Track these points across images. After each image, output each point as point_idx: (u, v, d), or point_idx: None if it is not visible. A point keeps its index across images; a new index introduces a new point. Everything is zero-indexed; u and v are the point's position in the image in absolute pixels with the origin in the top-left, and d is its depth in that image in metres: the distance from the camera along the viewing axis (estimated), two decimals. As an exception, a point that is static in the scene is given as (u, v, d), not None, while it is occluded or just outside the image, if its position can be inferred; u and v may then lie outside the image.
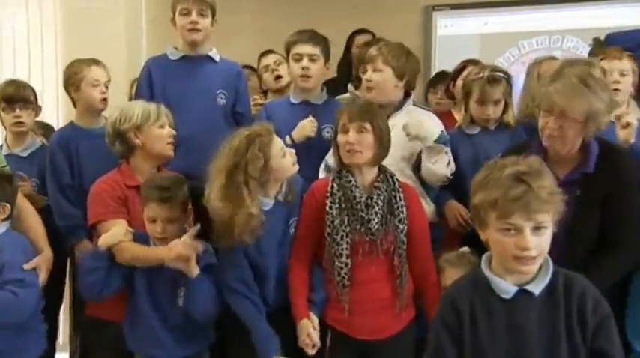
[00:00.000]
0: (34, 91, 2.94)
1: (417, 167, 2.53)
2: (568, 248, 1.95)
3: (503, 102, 2.65)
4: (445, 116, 2.82)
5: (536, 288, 1.60)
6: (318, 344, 2.16)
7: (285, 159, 2.15)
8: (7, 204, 2.23)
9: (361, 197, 2.15)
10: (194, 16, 2.70)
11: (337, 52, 3.55)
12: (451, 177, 2.51)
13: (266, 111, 2.77)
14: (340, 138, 2.18)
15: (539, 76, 2.75)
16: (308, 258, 2.25)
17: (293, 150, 2.22)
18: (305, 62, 2.64)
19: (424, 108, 2.82)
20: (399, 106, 2.58)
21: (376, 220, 2.14)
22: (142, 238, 2.28)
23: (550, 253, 1.60)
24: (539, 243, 1.55)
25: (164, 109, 2.47)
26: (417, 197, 2.30)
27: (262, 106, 2.94)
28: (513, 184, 1.54)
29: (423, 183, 2.54)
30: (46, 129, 3.26)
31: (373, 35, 3.66)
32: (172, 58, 2.79)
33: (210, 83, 2.78)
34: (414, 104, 2.68)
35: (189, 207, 2.28)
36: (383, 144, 2.17)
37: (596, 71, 2.08)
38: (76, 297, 2.85)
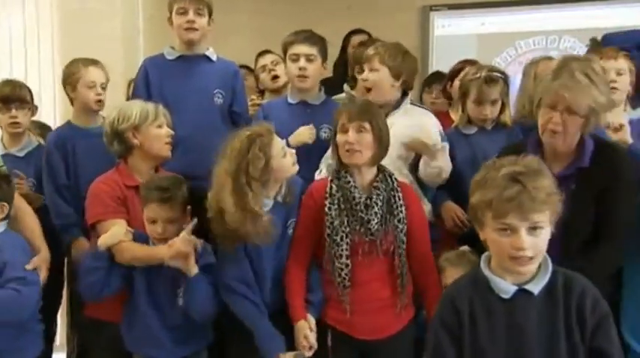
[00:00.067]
0: (29, 91, 2.94)
1: (414, 167, 2.53)
2: (563, 242, 1.95)
3: (500, 103, 2.65)
4: (442, 116, 2.82)
5: (536, 288, 1.61)
6: (315, 346, 2.16)
7: (285, 160, 2.15)
8: (6, 204, 2.24)
9: (360, 197, 2.15)
10: (191, 15, 2.70)
11: (334, 52, 3.56)
12: (448, 177, 2.51)
13: (263, 111, 2.76)
14: (339, 137, 2.18)
15: (536, 76, 2.74)
16: (306, 259, 2.24)
17: (293, 151, 2.22)
18: (302, 62, 2.63)
19: (421, 107, 2.82)
20: (396, 105, 2.57)
21: (376, 220, 2.13)
22: (141, 238, 2.28)
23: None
24: (535, 243, 1.56)
25: (162, 109, 2.47)
26: (415, 196, 2.30)
27: (260, 106, 2.94)
28: (508, 184, 1.54)
29: (419, 182, 2.54)
30: (42, 128, 3.25)
31: (369, 35, 3.66)
32: (169, 57, 2.79)
33: (208, 83, 2.77)
34: (412, 103, 2.68)
35: (189, 207, 2.27)
36: (382, 143, 2.17)
37: (597, 66, 2.10)
38: (73, 298, 2.85)
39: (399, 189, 2.19)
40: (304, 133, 2.58)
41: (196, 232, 2.30)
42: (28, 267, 2.20)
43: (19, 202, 2.37)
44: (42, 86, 3.94)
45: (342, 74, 3.42)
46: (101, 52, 3.07)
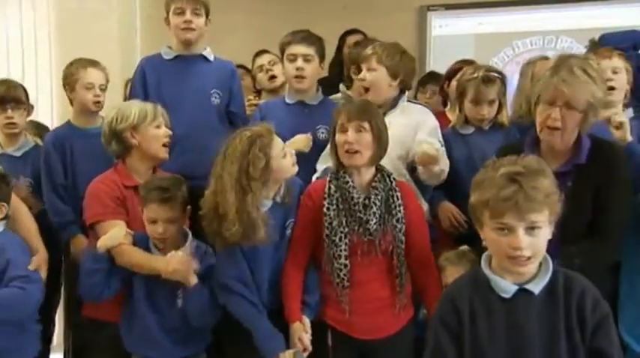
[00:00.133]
0: (25, 91, 2.92)
1: (412, 166, 2.53)
2: (560, 239, 1.95)
3: (497, 103, 2.65)
4: (437, 116, 2.82)
5: (536, 287, 1.61)
6: (309, 348, 2.15)
7: (285, 160, 2.14)
8: (5, 204, 2.24)
9: (359, 197, 2.15)
10: (188, 15, 2.69)
11: (332, 52, 3.56)
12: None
13: (261, 111, 2.76)
14: (339, 137, 2.17)
15: (534, 76, 2.75)
16: (304, 261, 2.23)
17: (293, 151, 2.22)
18: (299, 62, 2.63)
19: (418, 103, 2.82)
20: (393, 104, 2.57)
21: (374, 220, 2.13)
22: (142, 239, 2.28)
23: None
24: (533, 243, 1.56)
25: (160, 109, 2.47)
26: (413, 195, 2.30)
27: (257, 106, 2.93)
28: (506, 184, 1.55)
29: (417, 182, 2.54)
30: (39, 128, 3.25)
31: (364, 35, 3.66)
32: (166, 57, 2.79)
33: (205, 83, 2.77)
34: (409, 100, 2.67)
35: (189, 207, 2.27)
36: (381, 143, 2.17)
37: (594, 64, 2.12)
38: (70, 298, 2.84)
39: (397, 188, 2.19)
40: (301, 141, 2.55)
41: (194, 232, 2.30)
42: (31, 267, 2.22)
43: (15, 202, 2.36)
44: (39, 86, 3.94)
45: (338, 74, 3.42)
46: (98, 52, 3.07)
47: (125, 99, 3.02)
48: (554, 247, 1.69)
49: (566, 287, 1.61)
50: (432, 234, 2.39)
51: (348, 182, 2.16)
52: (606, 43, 2.97)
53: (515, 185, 1.53)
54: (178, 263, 2.17)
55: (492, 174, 1.59)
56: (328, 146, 2.34)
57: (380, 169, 2.22)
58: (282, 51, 2.71)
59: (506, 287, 1.62)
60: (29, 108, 2.94)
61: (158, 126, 2.42)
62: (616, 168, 2.06)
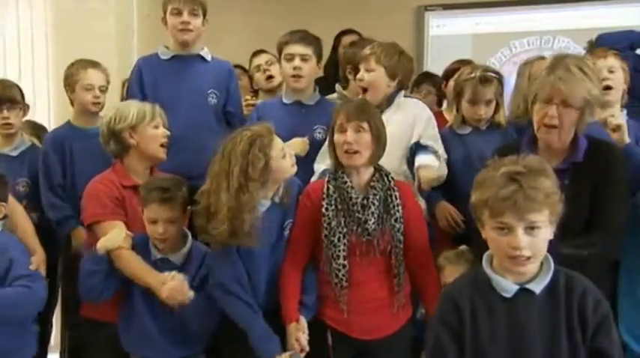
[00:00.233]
0: (20, 90, 2.91)
1: (410, 164, 2.52)
2: (557, 237, 1.95)
3: (494, 103, 2.65)
4: (435, 117, 2.82)
5: (537, 287, 1.61)
6: (306, 348, 2.14)
7: (285, 161, 2.14)
8: (4, 204, 2.24)
9: (357, 198, 2.14)
10: (185, 16, 2.69)
11: (328, 53, 3.55)
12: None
13: (258, 111, 2.75)
14: (338, 137, 2.17)
15: (531, 76, 2.75)
16: (302, 261, 2.23)
17: (293, 151, 2.22)
18: (297, 62, 2.63)
19: (414, 97, 2.82)
20: (389, 101, 2.57)
21: (373, 220, 2.13)
22: (141, 240, 2.28)
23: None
24: (533, 243, 1.56)
25: (159, 110, 2.46)
26: (412, 194, 2.30)
27: (254, 106, 2.93)
28: (505, 184, 1.55)
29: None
30: (37, 129, 3.24)
31: (360, 35, 3.66)
32: (163, 57, 2.78)
33: (202, 83, 2.77)
34: (405, 96, 2.67)
35: (189, 207, 2.26)
36: (380, 143, 2.17)
37: (590, 62, 2.13)
38: (68, 298, 2.84)
39: (395, 188, 2.19)
40: (297, 145, 2.53)
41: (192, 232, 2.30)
42: (32, 267, 2.22)
43: (11, 202, 2.36)
44: (36, 86, 3.92)
45: (333, 74, 3.41)
46: (95, 52, 3.07)
47: (122, 100, 3.02)
48: (551, 244, 1.70)
49: (567, 287, 1.61)
50: (429, 233, 2.39)
51: (346, 182, 2.16)
52: (603, 43, 2.98)
53: (515, 184, 1.54)
54: (173, 290, 2.16)
55: (493, 173, 1.59)
56: (325, 144, 2.34)
57: (378, 169, 2.21)
58: (280, 51, 2.70)
59: (508, 286, 1.62)
60: (25, 108, 2.92)
61: (156, 127, 2.42)
62: (613, 167, 2.07)
